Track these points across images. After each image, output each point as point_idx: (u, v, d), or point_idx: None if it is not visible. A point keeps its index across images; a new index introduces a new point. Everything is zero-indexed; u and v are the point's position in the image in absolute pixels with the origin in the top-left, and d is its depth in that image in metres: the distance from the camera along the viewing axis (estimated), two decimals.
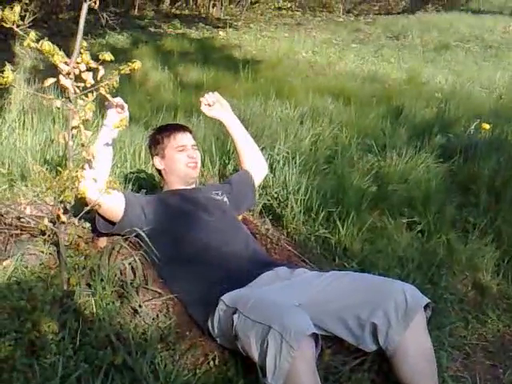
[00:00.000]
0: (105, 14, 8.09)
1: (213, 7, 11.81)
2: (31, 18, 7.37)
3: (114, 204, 2.01)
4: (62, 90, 1.74)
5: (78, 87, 1.70)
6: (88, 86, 1.69)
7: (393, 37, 10.95)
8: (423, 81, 7.00)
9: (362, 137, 3.95)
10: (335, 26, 11.88)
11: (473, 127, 4.18)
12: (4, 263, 1.92)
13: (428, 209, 2.93)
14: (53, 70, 1.68)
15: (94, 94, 1.72)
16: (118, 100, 2.08)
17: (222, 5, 11.85)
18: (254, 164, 2.49)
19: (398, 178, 3.27)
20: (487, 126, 4.15)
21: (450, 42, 10.32)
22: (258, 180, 2.51)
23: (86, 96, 1.71)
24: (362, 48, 9.62)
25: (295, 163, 2.94)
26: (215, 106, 2.42)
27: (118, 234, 2.07)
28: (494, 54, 9.50)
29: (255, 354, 1.58)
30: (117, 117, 2.01)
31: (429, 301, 1.79)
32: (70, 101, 1.70)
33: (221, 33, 9.98)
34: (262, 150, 3.00)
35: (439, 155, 3.76)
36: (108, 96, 1.75)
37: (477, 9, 15.29)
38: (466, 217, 3.00)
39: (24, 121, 3.12)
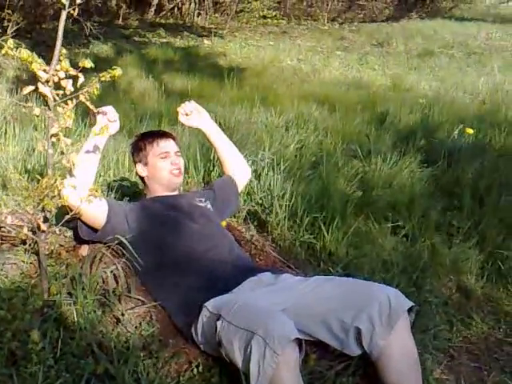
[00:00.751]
0: (88, 24, 8.07)
1: (198, 16, 11.84)
2: (14, 28, 7.34)
3: (96, 211, 2.00)
4: (42, 99, 1.73)
5: (57, 95, 1.69)
6: (68, 93, 1.69)
7: (377, 44, 11.05)
8: (407, 87, 7.06)
9: (346, 143, 3.97)
10: (320, 34, 11.96)
11: (456, 132, 4.21)
12: None
13: (412, 213, 2.95)
14: (35, 80, 1.67)
15: (74, 101, 1.71)
16: (109, 109, 2.08)
17: (206, 14, 11.88)
18: (237, 169, 2.48)
19: (382, 183, 3.29)
20: (471, 131, 4.19)
21: (434, 49, 10.43)
22: (241, 184, 2.51)
23: (66, 103, 1.71)
24: (347, 55, 9.69)
25: (280, 169, 2.94)
26: (193, 115, 2.41)
27: (100, 242, 2.05)
28: (478, 60, 9.61)
29: (239, 360, 1.57)
30: (110, 125, 2.05)
31: (412, 304, 1.79)
32: (50, 108, 1.69)
33: (206, 41, 10.01)
34: (246, 156, 3.01)
35: (423, 160, 3.79)
36: (88, 103, 1.74)
37: (460, 16, 15.49)
38: (450, 220, 3.01)
39: (6, 130, 3.09)
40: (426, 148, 4.03)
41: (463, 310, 2.32)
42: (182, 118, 2.43)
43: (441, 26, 13.22)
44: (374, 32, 12.24)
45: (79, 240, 2.11)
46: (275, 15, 12.42)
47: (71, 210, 1.86)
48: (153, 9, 11.42)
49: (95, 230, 2.04)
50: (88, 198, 1.80)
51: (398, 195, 3.13)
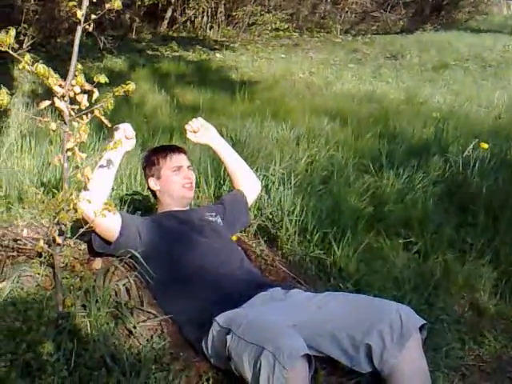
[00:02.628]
0: (102, 38, 8.17)
1: (210, 29, 11.92)
2: (30, 42, 7.46)
3: (110, 224, 2.02)
4: (58, 113, 1.77)
5: (72, 109, 1.73)
6: (83, 108, 1.72)
7: (391, 56, 11.03)
8: (421, 100, 7.03)
9: (358, 157, 3.95)
10: (333, 47, 11.98)
11: (471, 147, 4.18)
12: (0, 285, 1.94)
13: (425, 229, 2.93)
14: (50, 94, 1.70)
15: (89, 116, 1.75)
16: (127, 126, 2.12)
17: (219, 27, 11.96)
18: (246, 183, 2.50)
19: (394, 199, 3.27)
20: (486, 146, 4.16)
21: (449, 62, 10.38)
22: (251, 198, 2.53)
23: (81, 118, 1.74)
24: (360, 68, 9.69)
25: (290, 184, 2.95)
26: (201, 131, 2.43)
27: (113, 255, 2.08)
28: (493, 73, 9.54)
29: (248, 375, 1.58)
30: (123, 142, 2.08)
31: (424, 322, 1.79)
32: (65, 123, 1.73)
33: (217, 54, 10.08)
34: (257, 170, 3.03)
35: (437, 175, 3.77)
36: (103, 118, 1.78)
37: (476, 28, 15.31)
38: (464, 237, 2.99)
39: (22, 144, 3.15)
40: (440, 163, 4.01)
41: (476, 328, 2.30)
42: (190, 136, 2.45)
43: (456, 37, 13.14)
44: (387, 44, 12.23)
45: (93, 253, 2.14)
46: (287, 27, 12.46)
47: (86, 223, 1.90)
48: (165, 22, 11.53)
49: (108, 243, 2.07)
50: (102, 212, 1.83)
51: (410, 211, 3.11)
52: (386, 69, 9.70)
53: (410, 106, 6.67)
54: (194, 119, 2.44)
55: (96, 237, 2.07)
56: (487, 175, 3.64)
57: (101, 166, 2.09)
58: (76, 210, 1.80)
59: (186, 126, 2.44)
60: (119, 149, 2.07)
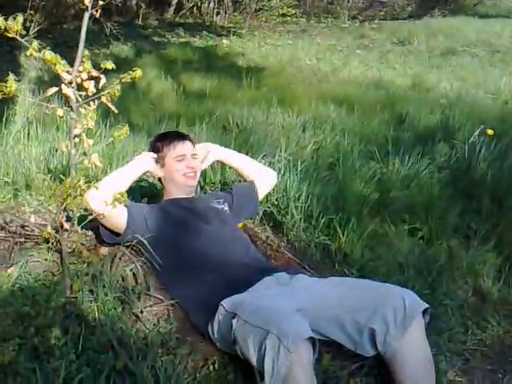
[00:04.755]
0: (109, 24, 8.15)
1: (217, 15, 11.86)
2: (36, 29, 7.45)
3: (116, 217, 2.05)
4: (65, 100, 1.78)
5: (79, 96, 1.74)
6: (90, 94, 1.73)
7: (398, 42, 10.93)
8: (428, 87, 6.99)
9: (364, 144, 3.95)
10: (340, 32, 11.89)
11: (477, 133, 4.17)
12: (8, 270, 1.97)
13: (430, 215, 2.93)
14: (57, 81, 1.71)
15: (96, 102, 1.75)
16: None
17: (225, 12, 11.89)
18: (259, 179, 2.51)
19: (400, 185, 3.28)
20: (491, 132, 4.15)
21: (457, 48, 10.28)
22: (263, 192, 2.55)
23: (88, 105, 1.75)
24: (367, 54, 9.62)
25: (296, 170, 2.96)
26: (203, 155, 2.42)
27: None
28: (501, 59, 9.44)
29: (253, 358, 1.60)
30: (148, 160, 2.28)
31: (427, 306, 1.80)
32: (72, 110, 1.74)
33: (224, 41, 10.03)
34: (263, 157, 3.04)
35: (442, 161, 3.77)
36: (110, 105, 1.78)
37: (485, 13, 15.10)
38: (468, 223, 3.00)
39: (29, 131, 3.16)
40: (446, 149, 4.00)
41: (479, 313, 2.31)
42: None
43: (464, 23, 12.98)
44: (395, 30, 12.11)
45: (100, 239, 2.17)
46: (295, 13, 12.38)
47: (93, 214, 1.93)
48: (172, 8, 11.47)
49: (117, 234, 2.10)
50: (113, 203, 1.84)
51: (415, 197, 3.12)
52: (394, 55, 9.63)
53: (417, 92, 6.63)
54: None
55: (104, 229, 2.10)
56: (492, 162, 3.63)
57: (118, 171, 2.24)
58: (83, 200, 1.81)
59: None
60: (141, 165, 2.28)
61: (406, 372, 1.74)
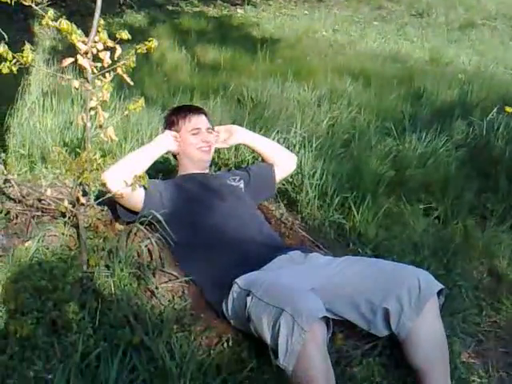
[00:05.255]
0: None
1: None
2: None
3: (134, 197, 2.04)
4: (80, 71, 1.75)
5: (95, 67, 1.71)
6: (105, 65, 1.70)
7: (417, 14, 10.69)
8: (446, 61, 6.87)
9: (381, 120, 3.90)
10: (357, 3, 11.61)
11: (495, 110, 4.10)
12: (26, 244, 1.98)
13: (446, 194, 2.91)
14: (71, 51, 1.69)
15: (112, 74, 1.72)
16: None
17: None
18: (279, 162, 2.48)
19: (416, 163, 3.24)
20: (510, 109, 4.08)
21: (476, 20, 10.04)
22: (281, 175, 2.52)
23: (104, 76, 1.72)
24: (384, 26, 9.42)
25: (311, 147, 2.93)
26: (224, 137, 2.40)
27: None
28: None
29: (267, 336, 1.61)
30: (170, 141, 2.27)
31: (442, 287, 1.80)
32: (88, 81, 1.71)
33: (239, 10, 9.85)
34: (277, 133, 3.01)
35: (460, 139, 3.71)
36: (125, 76, 1.75)
37: None
38: (485, 203, 2.97)
39: (44, 102, 3.15)
40: (463, 126, 3.94)
41: (493, 295, 2.31)
42: (218, 146, 2.42)
43: None
44: (413, 1, 11.79)
45: (115, 214, 2.17)
46: None
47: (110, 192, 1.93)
48: None
49: (134, 213, 2.10)
50: (133, 185, 1.83)
51: (432, 175, 3.09)
52: (412, 27, 9.42)
53: (435, 66, 6.52)
54: (213, 132, 2.40)
55: (120, 208, 2.10)
56: (511, 140, 3.57)
57: (138, 152, 2.23)
58: (98, 170, 1.81)
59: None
60: (163, 146, 2.25)
61: (419, 353, 1.74)
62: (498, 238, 2.60)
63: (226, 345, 1.77)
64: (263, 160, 2.51)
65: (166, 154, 2.37)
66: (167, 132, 2.31)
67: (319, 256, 2.07)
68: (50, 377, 1.50)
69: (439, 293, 1.80)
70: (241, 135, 2.44)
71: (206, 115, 2.37)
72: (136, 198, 2.06)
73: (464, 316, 2.13)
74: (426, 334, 1.75)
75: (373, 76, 5.29)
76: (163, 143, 2.27)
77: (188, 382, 1.56)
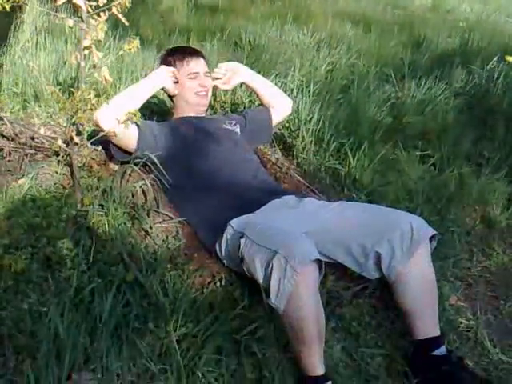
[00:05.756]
0: None
1: None
2: None
3: (127, 136, 2.01)
4: (74, 10, 1.71)
5: (90, 6, 1.68)
6: (100, 4, 1.67)
7: None
8: (448, 8, 6.72)
9: (380, 66, 3.85)
10: None
11: (496, 59, 4.04)
12: (19, 181, 1.98)
13: (443, 142, 2.91)
14: None
15: (107, 13, 1.70)
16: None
17: None
18: (276, 105, 2.45)
19: (414, 110, 3.22)
20: (510, 58, 4.02)
21: None
22: (277, 119, 2.49)
23: (98, 15, 1.69)
24: None
25: (309, 92, 2.89)
26: (228, 75, 2.34)
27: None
28: None
29: (260, 277, 1.63)
30: (166, 76, 2.20)
31: (435, 232, 1.81)
32: (82, 20, 1.68)
33: None
34: (275, 77, 2.97)
35: (459, 87, 3.68)
36: (120, 16, 1.73)
37: None
38: (481, 151, 2.97)
39: (37, 41, 3.07)
40: (463, 75, 3.89)
41: (485, 241, 2.34)
42: (222, 86, 2.37)
43: None
44: None
45: (110, 155, 2.15)
46: None
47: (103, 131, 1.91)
48: None
49: (128, 153, 2.08)
50: (126, 122, 1.80)
51: (429, 123, 3.07)
52: None
53: (437, 13, 6.39)
54: (215, 69, 2.34)
55: (114, 147, 2.07)
56: (510, 89, 3.54)
57: (132, 88, 2.16)
58: (92, 110, 1.79)
59: (213, 82, 2.33)
60: (158, 81, 2.19)
61: (408, 294, 1.76)
62: (492, 185, 2.61)
63: (218, 284, 1.80)
64: (261, 102, 2.48)
65: (162, 90, 2.32)
66: (163, 67, 2.25)
67: (314, 200, 2.07)
68: (44, 309, 1.52)
69: (431, 238, 1.81)
70: (244, 74, 2.39)
71: (204, 58, 2.32)
72: (129, 137, 2.03)
73: (455, 261, 2.16)
74: (416, 277, 1.77)
75: (373, 22, 5.20)
76: (158, 79, 2.22)
77: (180, 317, 1.58)
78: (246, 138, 2.31)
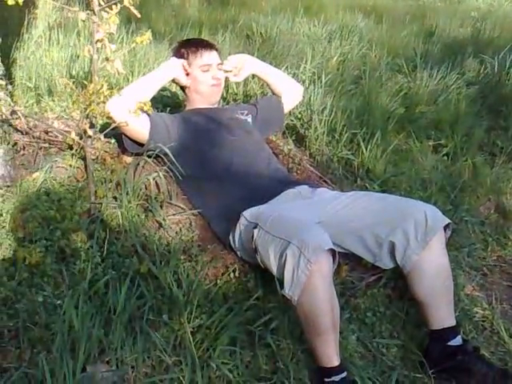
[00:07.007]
0: None
1: None
2: None
3: (139, 126, 2.02)
4: (86, 3, 1.72)
5: None
6: None
7: None
8: None
9: (392, 56, 3.83)
10: None
11: (508, 48, 4.00)
12: (34, 175, 1.99)
13: (456, 131, 2.89)
14: None
15: (118, 6, 1.70)
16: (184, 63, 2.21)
17: None
18: (287, 93, 2.45)
19: (427, 100, 3.20)
20: None
21: None
22: (288, 106, 2.49)
23: (110, 8, 1.70)
24: None
25: (321, 83, 2.88)
26: (238, 68, 2.32)
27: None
28: None
29: (274, 267, 1.63)
30: (177, 67, 2.20)
31: (449, 221, 1.79)
32: (95, 13, 1.69)
33: None
34: (286, 68, 2.95)
35: (471, 76, 3.64)
36: (132, 8, 1.73)
37: None
38: (494, 140, 2.95)
39: (50, 36, 3.09)
40: (475, 64, 3.86)
41: (500, 230, 2.32)
42: (233, 79, 2.36)
43: None
44: None
45: (123, 148, 2.16)
46: None
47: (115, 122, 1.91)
48: None
49: (140, 144, 2.08)
50: (136, 111, 1.81)
51: (442, 113, 3.05)
52: None
53: (448, 3, 6.34)
54: (225, 61, 2.33)
55: (126, 138, 2.08)
56: None
57: (143, 78, 2.18)
58: (105, 102, 1.80)
59: (225, 74, 2.31)
60: (170, 72, 2.20)
61: (423, 285, 1.75)
62: (506, 174, 2.60)
63: (232, 275, 1.80)
64: (272, 91, 2.48)
65: (173, 82, 2.32)
66: (174, 59, 2.25)
67: (327, 191, 2.06)
68: (58, 302, 1.53)
69: (446, 227, 1.79)
70: (253, 65, 2.39)
71: (217, 50, 2.31)
72: (141, 128, 2.03)
73: (470, 250, 2.15)
74: (431, 267, 1.76)
75: (385, 12, 5.17)
76: (168, 70, 2.22)
77: (195, 308, 1.59)
78: (258, 127, 2.31)
